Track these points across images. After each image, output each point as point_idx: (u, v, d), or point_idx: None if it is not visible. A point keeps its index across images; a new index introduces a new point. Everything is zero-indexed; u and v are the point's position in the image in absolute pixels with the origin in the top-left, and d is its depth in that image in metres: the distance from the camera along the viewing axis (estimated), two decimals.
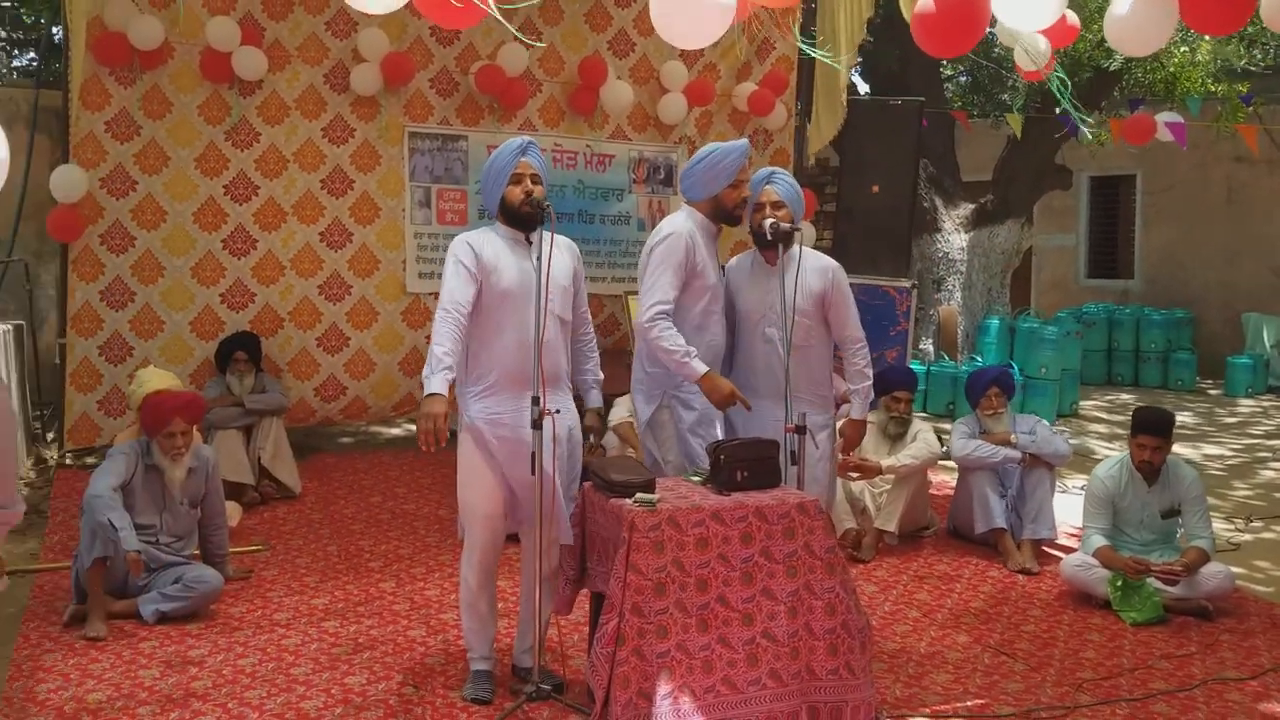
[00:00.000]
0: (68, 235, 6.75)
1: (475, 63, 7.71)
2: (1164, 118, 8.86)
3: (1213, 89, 11.06)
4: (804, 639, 3.43)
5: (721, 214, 4.21)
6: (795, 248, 4.22)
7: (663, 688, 3.24)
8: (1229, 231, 13.63)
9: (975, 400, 5.86)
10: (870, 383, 4.46)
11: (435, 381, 3.51)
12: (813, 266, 4.29)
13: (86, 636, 4.24)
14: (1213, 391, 12.31)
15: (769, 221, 4.19)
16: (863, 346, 4.40)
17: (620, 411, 6.03)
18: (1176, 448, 8.22)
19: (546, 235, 3.70)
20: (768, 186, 4.27)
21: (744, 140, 4.29)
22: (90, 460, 6.62)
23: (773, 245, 4.22)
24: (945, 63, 13.05)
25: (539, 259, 3.66)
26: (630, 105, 8.19)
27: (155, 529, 4.62)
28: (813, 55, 6.16)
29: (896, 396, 5.87)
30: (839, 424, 4.57)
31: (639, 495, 3.44)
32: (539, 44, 7.59)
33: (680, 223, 4.13)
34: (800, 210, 4.31)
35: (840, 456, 4.92)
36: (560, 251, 3.80)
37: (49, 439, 7.34)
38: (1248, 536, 6.22)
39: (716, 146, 4.19)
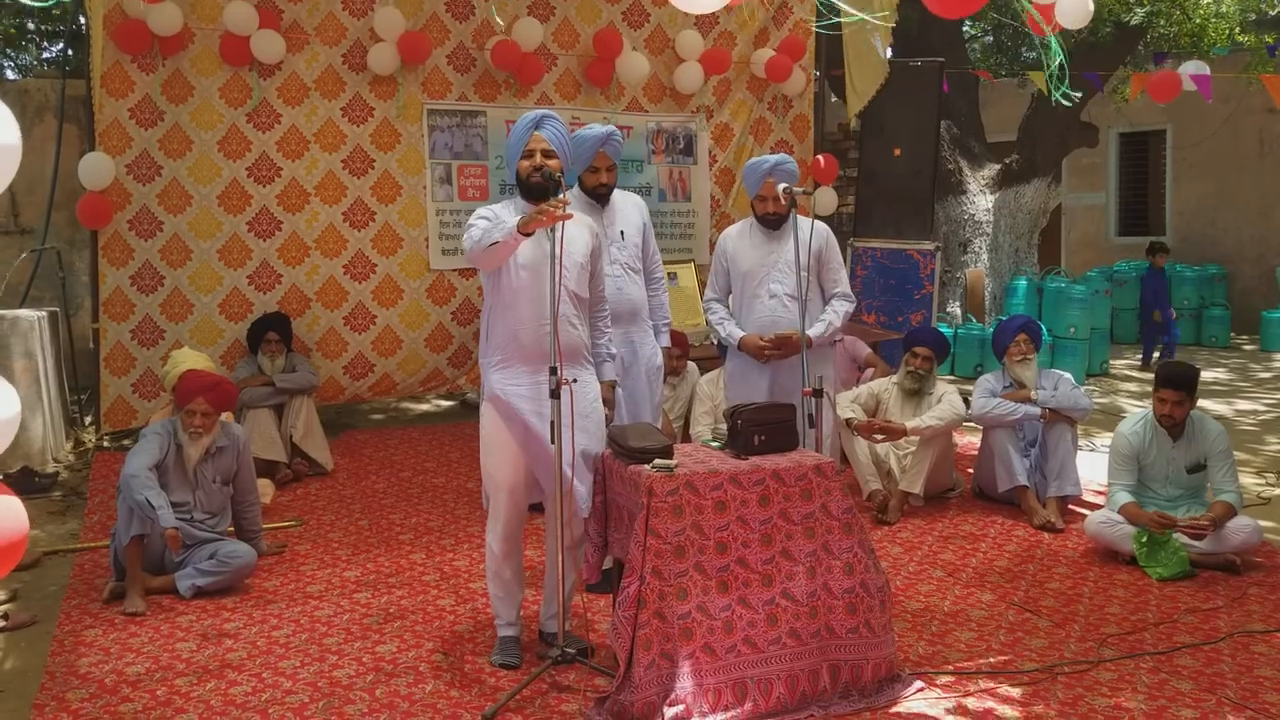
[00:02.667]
0: (97, 222, 6.86)
1: (491, 38, 7.72)
2: (1189, 68, 8.70)
3: (1240, 38, 10.84)
4: (823, 598, 3.47)
5: (586, 191, 4.54)
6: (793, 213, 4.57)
7: (684, 648, 3.29)
8: (1262, 184, 13.40)
9: (1003, 347, 5.82)
10: (841, 324, 4.95)
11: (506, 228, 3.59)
12: (808, 227, 4.60)
13: (125, 612, 4.35)
14: (1248, 347, 12.15)
15: (782, 186, 4.52)
16: (851, 304, 4.98)
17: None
18: (1209, 404, 8.19)
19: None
20: (769, 180, 4.69)
21: (606, 128, 4.51)
22: (127, 442, 6.74)
23: (785, 218, 4.73)
24: (967, 23, 12.88)
25: (554, 233, 3.65)
26: (646, 76, 8.17)
27: (189, 506, 4.72)
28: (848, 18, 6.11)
29: (915, 352, 5.88)
30: None
31: (657, 461, 3.48)
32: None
33: None
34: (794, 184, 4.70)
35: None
36: (579, 229, 3.80)
37: (86, 422, 7.49)
38: (1278, 491, 6.17)
39: (580, 131, 4.48)
